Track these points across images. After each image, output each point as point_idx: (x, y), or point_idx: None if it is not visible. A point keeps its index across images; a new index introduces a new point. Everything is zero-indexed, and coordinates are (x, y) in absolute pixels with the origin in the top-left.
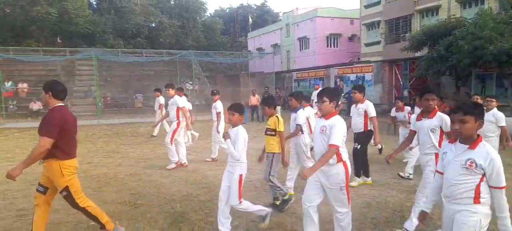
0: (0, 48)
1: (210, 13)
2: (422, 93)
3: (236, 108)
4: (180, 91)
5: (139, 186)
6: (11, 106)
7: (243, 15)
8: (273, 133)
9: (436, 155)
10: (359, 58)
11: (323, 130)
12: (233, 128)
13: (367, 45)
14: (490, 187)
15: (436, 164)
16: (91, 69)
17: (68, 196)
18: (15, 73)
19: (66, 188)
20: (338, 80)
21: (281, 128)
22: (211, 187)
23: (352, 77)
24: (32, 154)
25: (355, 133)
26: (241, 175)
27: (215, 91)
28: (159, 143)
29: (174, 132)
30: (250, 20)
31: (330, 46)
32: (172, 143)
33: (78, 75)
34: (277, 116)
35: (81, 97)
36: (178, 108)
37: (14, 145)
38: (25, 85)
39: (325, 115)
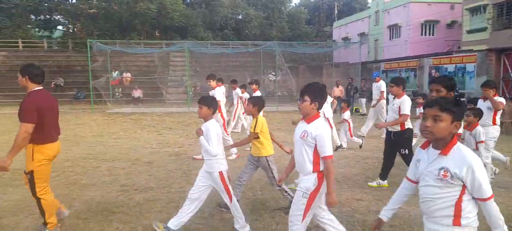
0: (109, 41)
1: (295, 3)
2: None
3: (204, 102)
4: (234, 83)
5: None
6: (117, 94)
7: (329, 3)
8: (256, 135)
9: None
10: (459, 47)
11: (304, 136)
12: (204, 122)
13: (469, 32)
14: (475, 199)
15: None
16: (183, 61)
17: (31, 181)
18: (120, 64)
19: (31, 172)
20: (433, 71)
21: (257, 129)
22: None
23: (450, 68)
24: (15, 142)
25: (392, 132)
26: (220, 172)
27: (253, 80)
28: (243, 132)
29: (223, 125)
30: (336, 8)
31: (425, 34)
32: (228, 134)
33: (172, 66)
34: (258, 117)
35: (174, 86)
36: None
37: (119, 127)
38: (128, 74)
39: (306, 117)
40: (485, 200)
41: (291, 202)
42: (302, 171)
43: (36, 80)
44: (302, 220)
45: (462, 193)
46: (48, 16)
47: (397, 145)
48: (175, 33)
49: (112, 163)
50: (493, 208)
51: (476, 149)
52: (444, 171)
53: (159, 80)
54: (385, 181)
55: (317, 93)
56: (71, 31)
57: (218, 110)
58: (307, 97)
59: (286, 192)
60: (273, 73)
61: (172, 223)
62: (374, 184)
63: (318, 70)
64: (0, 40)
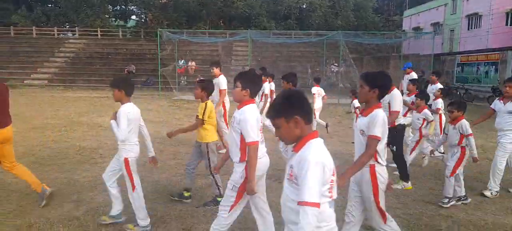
0: (177, 30)
1: None
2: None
3: (115, 84)
4: (270, 77)
5: None
6: (182, 81)
7: None
8: (202, 121)
9: None
10: None
11: (233, 122)
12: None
13: None
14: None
15: None
16: (245, 50)
17: None
18: (187, 53)
19: None
20: None
21: (205, 115)
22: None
23: None
24: None
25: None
26: (126, 159)
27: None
28: None
29: (224, 115)
30: None
31: (510, 24)
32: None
33: (234, 55)
34: (206, 102)
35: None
36: (220, 90)
37: (184, 113)
38: (193, 63)
39: (238, 103)
40: (299, 203)
41: (217, 195)
42: (233, 159)
43: None
44: (229, 211)
45: None
46: (123, 7)
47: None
48: (239, 22)
49: (177, 147)
50: (308, 219)
51: (459, 144)
52: (291, 170)
53: (222, 69)
54: (408, 182)
55: (248, 81)
56: (143, 20)
57: (220, 99)
58: (238, 84)
59: (217, 183)
60: (336, 64)
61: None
62: (398, 187)
63: (384, 61)
64: (81, 28)
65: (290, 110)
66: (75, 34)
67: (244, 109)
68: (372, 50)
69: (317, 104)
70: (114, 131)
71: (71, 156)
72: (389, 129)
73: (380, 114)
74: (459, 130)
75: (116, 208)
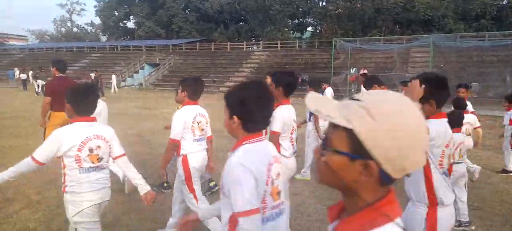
0: (351, 39)
1: None
2: None
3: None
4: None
5: (477, 189)
6: (352, 90)
7: None
8: None
9: None
10: None
11: None
12: None
13: None
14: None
15: None
16: (425, 56)
17: None
18: (360, 61)
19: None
20: None
21: None
22: None
23: None
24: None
25: None
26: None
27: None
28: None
29: None
30: None
31: None
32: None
33: (411, 62)
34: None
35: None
36: None
37: None
38: (365, 71)
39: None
40: (237, 214)
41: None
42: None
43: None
44: (197, 202)
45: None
46: (301, 19)
47: None
48: (418, 26)
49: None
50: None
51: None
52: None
53: (396, 77)
54: None
55: (186, 84)
56: (318, 31)
57: None
58: (180, 86)
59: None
60: None
61: None
62: None
63: None
64: (265, 42)
65: (233, 109)
66: (260, 47)
67: (178, 110)
68: None
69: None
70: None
71: None
72: None
73: None
74: None
75: None
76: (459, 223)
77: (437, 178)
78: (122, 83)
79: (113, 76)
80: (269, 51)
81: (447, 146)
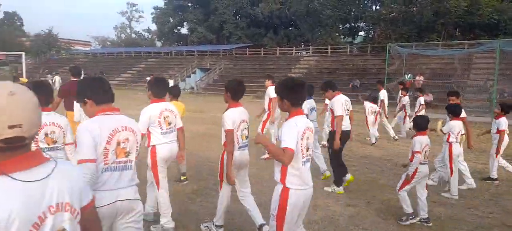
0: (406, 44)
1: None
2: None
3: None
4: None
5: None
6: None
7: None
8: None
9: None
10: None
11: None
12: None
13: None
14: None
15: None
16: (489, 62)
17: None
18: (415, 66)
19: None
20: None
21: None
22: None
23: None
24: None
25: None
26: None
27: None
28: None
29: (264, 122)
30: None
31: None
32: (263, 132)
33: (474, 68)
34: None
35: (473, 92)
36: (270, 99)
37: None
38: (421, 77)
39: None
40: None
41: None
42: None
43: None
44: (158, 189)
45: None
46: (353, 24)
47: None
48: (481, 31)
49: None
50: None
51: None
52: None
53: (456, 85)
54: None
55: (152, 85)
56: (370, 36)
57: (268, 108)
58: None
59: None
60: None
61: None
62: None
63: None
64: (314, 47)
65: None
66: (309, 52)
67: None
68: None
69: None
70: None
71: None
72: (330, 132)
73: None
74: None
75: None
76: (419, 219)
77: (292, 166)
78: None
79: (170, 81)
80: (319, 56)
81: (302, 137)
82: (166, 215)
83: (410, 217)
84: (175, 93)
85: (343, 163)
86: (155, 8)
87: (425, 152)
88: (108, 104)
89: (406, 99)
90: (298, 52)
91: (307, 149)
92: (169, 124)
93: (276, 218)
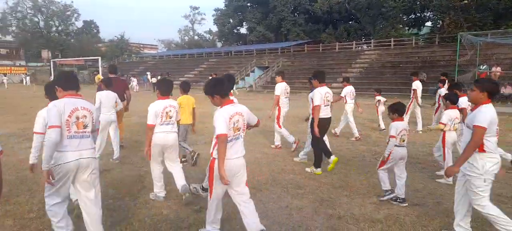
0: (479, 32)
1: None
2: None
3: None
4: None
5: None
6: None
7: None
8: None
9: None
10: None
11: None
12: None
13: None
14: None
15: None
16: None
17: None
18: (491, 57)
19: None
20: None
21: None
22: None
23: None
24: None
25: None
26: None
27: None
28: None
29: (278, 118)
30: None
31: None
32: (280, 126)
33: None
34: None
35: None
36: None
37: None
38: (498, 68)
39: None
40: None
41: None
42: None
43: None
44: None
45: None
46: (418, 14)
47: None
48: None
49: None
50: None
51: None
52: None
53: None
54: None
55: (159, 85)
56: (438, 26)
57: (275, 104)
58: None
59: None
60: None
61: None
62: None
63: None
64: (376, 40)
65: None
66: (370, 46)
67: None
68: None
69: None
70: None
71: (368, 159)
72: (312, 119)
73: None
74: None
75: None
76: (396, 198)
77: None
78: (235, 86)
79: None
80: (381, 49)
81: (230, 120)
82: (157, 185)
83: (387, 193)
84: (185, 88)
85: (326, 146)
86: (216, 10)
87: (402, 136)
88: (72, 91)
89: (442, 91)
90: (359, 47)
91: (237, 129)
92: (170, 117)
93: (208, 181)
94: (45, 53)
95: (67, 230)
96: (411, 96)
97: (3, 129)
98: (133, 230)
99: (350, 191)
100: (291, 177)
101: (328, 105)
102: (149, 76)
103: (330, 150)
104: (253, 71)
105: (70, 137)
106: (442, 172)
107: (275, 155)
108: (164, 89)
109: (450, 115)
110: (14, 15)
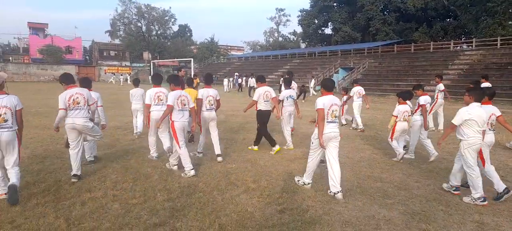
0: None
1: None
2: None
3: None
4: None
5: None
6: None
7: None
8: None
9: None
10: None
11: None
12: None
13: None
14: None
15: None
16: None
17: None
18: None
19: None
20: None
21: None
22: None
23: None
24: None
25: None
26: None
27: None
28: None
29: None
30: None
31: None
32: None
33: None
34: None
35: None
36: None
37: None
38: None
39: None
40: None
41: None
42: None
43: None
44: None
45: None
46: None
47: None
48: None
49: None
50: None
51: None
52: None
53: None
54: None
55: (152, 78)
56: None
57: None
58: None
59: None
60: None
61: None
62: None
63: None
64: (479, 39)
65: None
66: (471, 46)
67: None
68: None
69: None
70: None
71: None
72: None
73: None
74: None
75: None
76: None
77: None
78: (317, 87)
79: (312, 80)
80: (485, 49)
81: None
82: (152, 150)
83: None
84: (188, 83)
85: (269, 135)
86: (301, 10)
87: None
88: (71, 85)
89: (441, 86)
90: (457, 46)
91: (183, 105)
92: (161, 100)
93: (173, 135)
94: (146, 55)
95: None
96: (435, 97)
97: (112, 122)
98: (221, 223)
99: (446, 206)
100: (379, 185)
101: (267, 101)
102: (236, 77)
103: (274, 139)
104: (337, 72)
105: (71, 110)
106: (395, 158)
107: (360, 160)
108: (156, 81)
109: (399, 109)
110: (122, 21)
